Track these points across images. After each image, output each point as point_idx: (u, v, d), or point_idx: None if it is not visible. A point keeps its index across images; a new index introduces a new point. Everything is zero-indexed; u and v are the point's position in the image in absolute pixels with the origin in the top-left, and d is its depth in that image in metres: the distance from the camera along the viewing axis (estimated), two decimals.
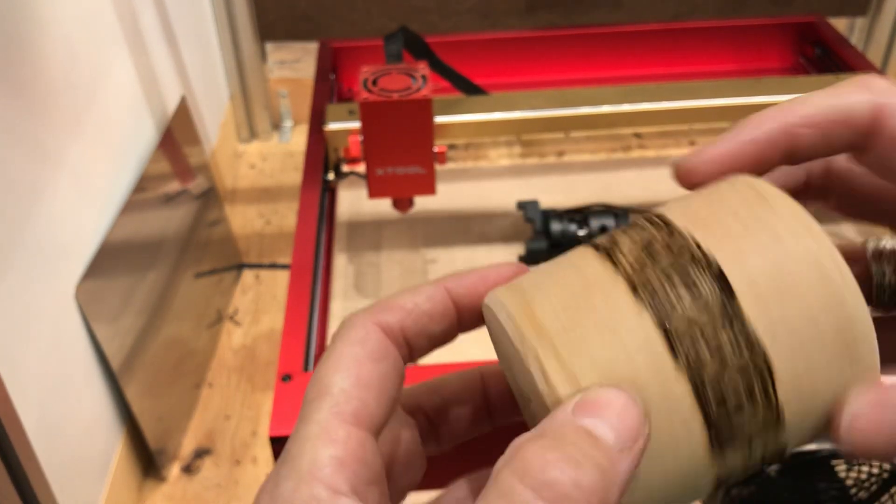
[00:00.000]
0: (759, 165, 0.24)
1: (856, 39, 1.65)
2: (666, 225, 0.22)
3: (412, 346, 0.25)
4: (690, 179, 0.24)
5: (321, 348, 0.96)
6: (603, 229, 1.16)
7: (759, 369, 0.20)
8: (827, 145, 0.24)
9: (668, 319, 0.21)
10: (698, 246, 0.21)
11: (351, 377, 0.23)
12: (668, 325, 0.20)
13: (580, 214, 1.21)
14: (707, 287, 0.21)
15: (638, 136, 1.68)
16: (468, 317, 0.26)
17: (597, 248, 0.23)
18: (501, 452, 0.20)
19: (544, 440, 0.20)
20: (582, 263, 0.23)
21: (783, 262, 0.21)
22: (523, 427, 0.26)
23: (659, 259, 0.21)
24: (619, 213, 1.18)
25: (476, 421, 0.28)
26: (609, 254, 0.22)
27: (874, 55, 1.63)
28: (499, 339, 0.24)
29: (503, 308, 0.23)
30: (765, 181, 0.23)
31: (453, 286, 0.25)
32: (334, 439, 0.22)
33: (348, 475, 0.21)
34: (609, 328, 0.21)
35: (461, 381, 0.28)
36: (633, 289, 0.21)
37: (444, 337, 0.26)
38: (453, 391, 0.27)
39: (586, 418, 0.20)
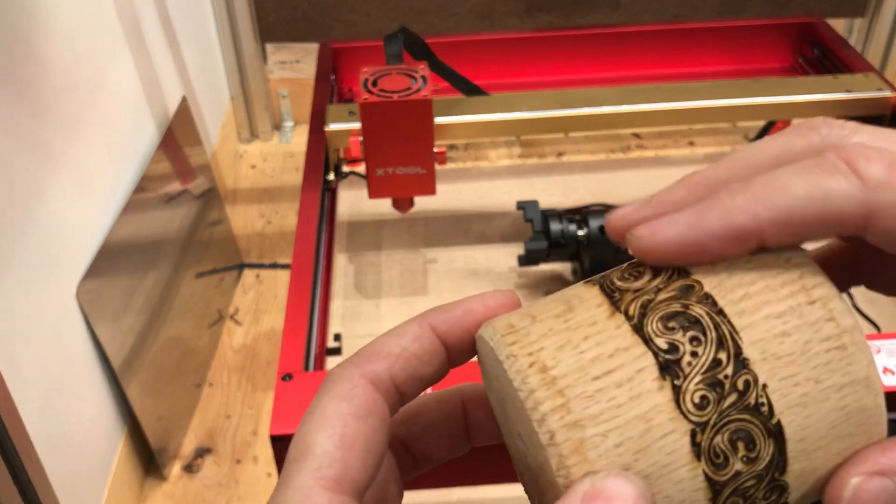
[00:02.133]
0: (721, 256, 0.22)
1: (854, 40, 1.65)
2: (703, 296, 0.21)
3: (403, 392, 0.24)
4: (644, 257, 0.22)
5: (321, 348, 0.96)
6: (602, 229, 1.17)
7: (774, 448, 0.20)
8: (803, 238, 0.21)
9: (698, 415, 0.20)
10: (732, 329, 0.20)
11: (335, 437, 0.21)
12: (695, 419, 0.20)
13: (579, 214, 1.22)
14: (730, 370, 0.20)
15: (637, 136, 1.69)
16: (457, 352, 0.24)
17: (611, 297, 0.21)
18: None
19: None
20: (601, 317, 0.21)
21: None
22: (502, 449, 0.25)
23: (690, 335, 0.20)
24: None
25: (455, 445, 0.26)
26: (634, 319, 0.21)
27: (873, 56, 1.63)
28: (494, 376, 0.23)
29: (505, 348, 0.21)
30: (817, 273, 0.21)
31: (438, 322, 0.24)
32: None
33: None
34: (633, 405, 0.20)
35: (440, 405, 0.26)
36: (661, 368, 0.20)
37: (435, 376, 0.24)
38: (433, 418, 0.26)
39: None
